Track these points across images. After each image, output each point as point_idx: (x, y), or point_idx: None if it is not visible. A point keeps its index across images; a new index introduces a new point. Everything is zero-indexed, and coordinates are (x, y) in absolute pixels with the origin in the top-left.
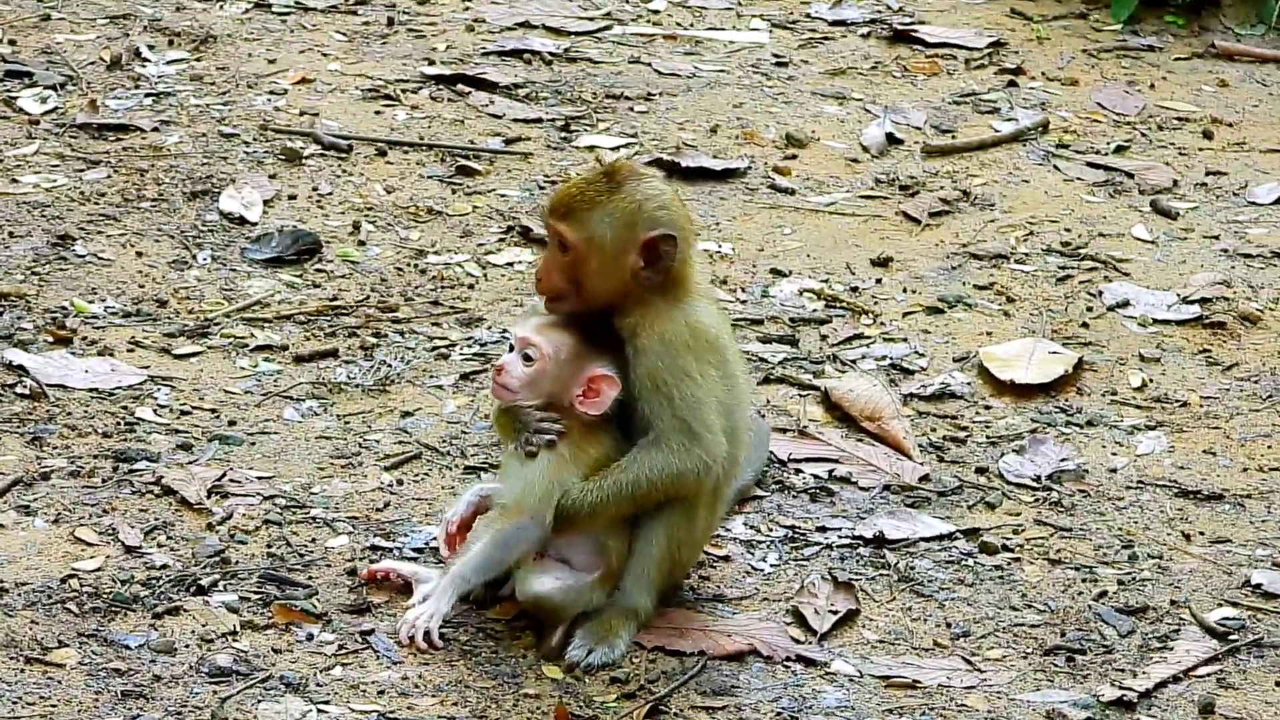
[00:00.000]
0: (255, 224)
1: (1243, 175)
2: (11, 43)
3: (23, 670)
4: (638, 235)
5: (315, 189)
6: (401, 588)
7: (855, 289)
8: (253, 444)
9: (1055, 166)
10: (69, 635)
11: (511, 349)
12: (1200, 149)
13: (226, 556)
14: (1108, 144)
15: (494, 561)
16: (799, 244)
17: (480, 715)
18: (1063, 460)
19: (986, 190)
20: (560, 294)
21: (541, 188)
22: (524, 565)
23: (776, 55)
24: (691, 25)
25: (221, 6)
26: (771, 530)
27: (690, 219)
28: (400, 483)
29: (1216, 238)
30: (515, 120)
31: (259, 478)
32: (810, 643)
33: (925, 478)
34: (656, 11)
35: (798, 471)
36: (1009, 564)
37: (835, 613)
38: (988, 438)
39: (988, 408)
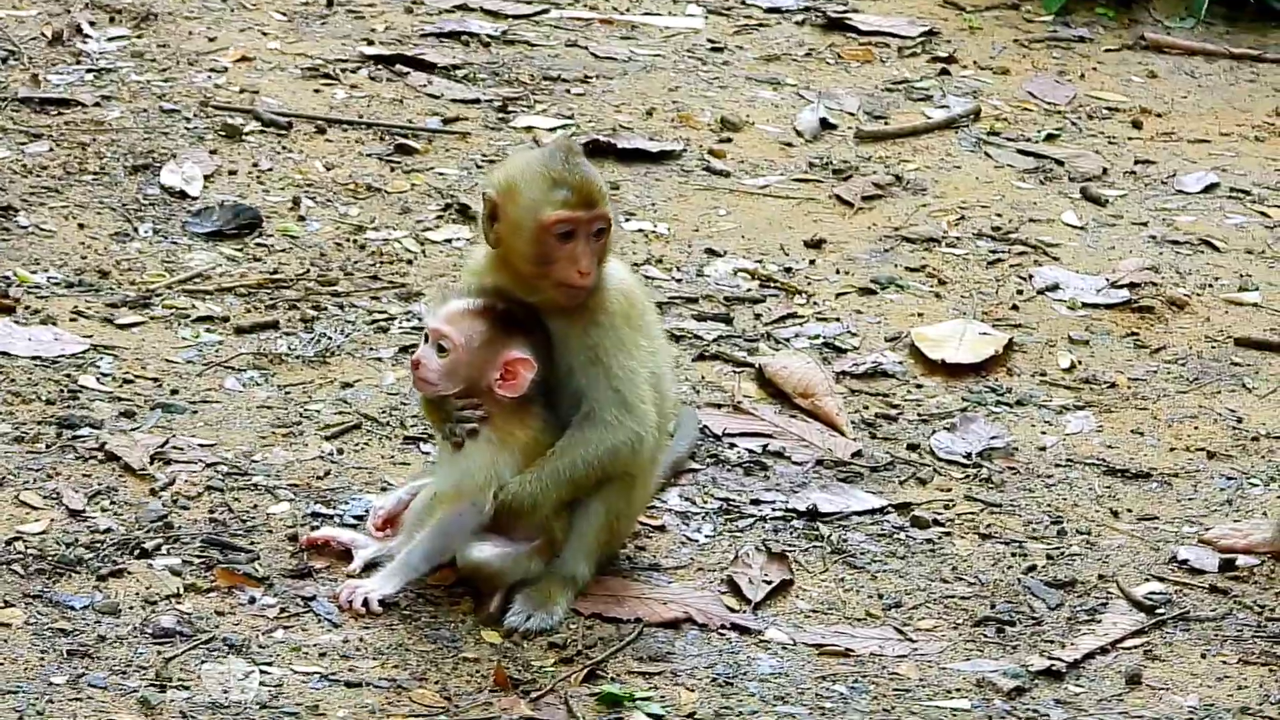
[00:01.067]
0: (196, 198)
1: (1171, 164)
2: None
3: None
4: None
5: (256, 165)
6: (341, 554)
7: (789, 269)
8: (195, 412)
9: (986, 153)
10: (14, 596)
11: (427, 339)
12: (1129, 138)
13: (169, 521)
14: (1038, 132)
15: (439, 549)
16: (734, 225)
17: (420, 678)
18: (993, 438)
19: (919, 175)
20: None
21: (479, 166)
22: None
23: (712, 40)
24: (628, 10)
25: None
26: (706, 502)
27: None
28: (340, 452)
29: (1145, 224)
30: (453, 100)
31: (201, 445)
32: (745, 611)
33: (858, 453)
34: None
35: (732, 446)
36: (940, 538)
37: (769, 583)
38: (919, 415)
39: (919, 386)
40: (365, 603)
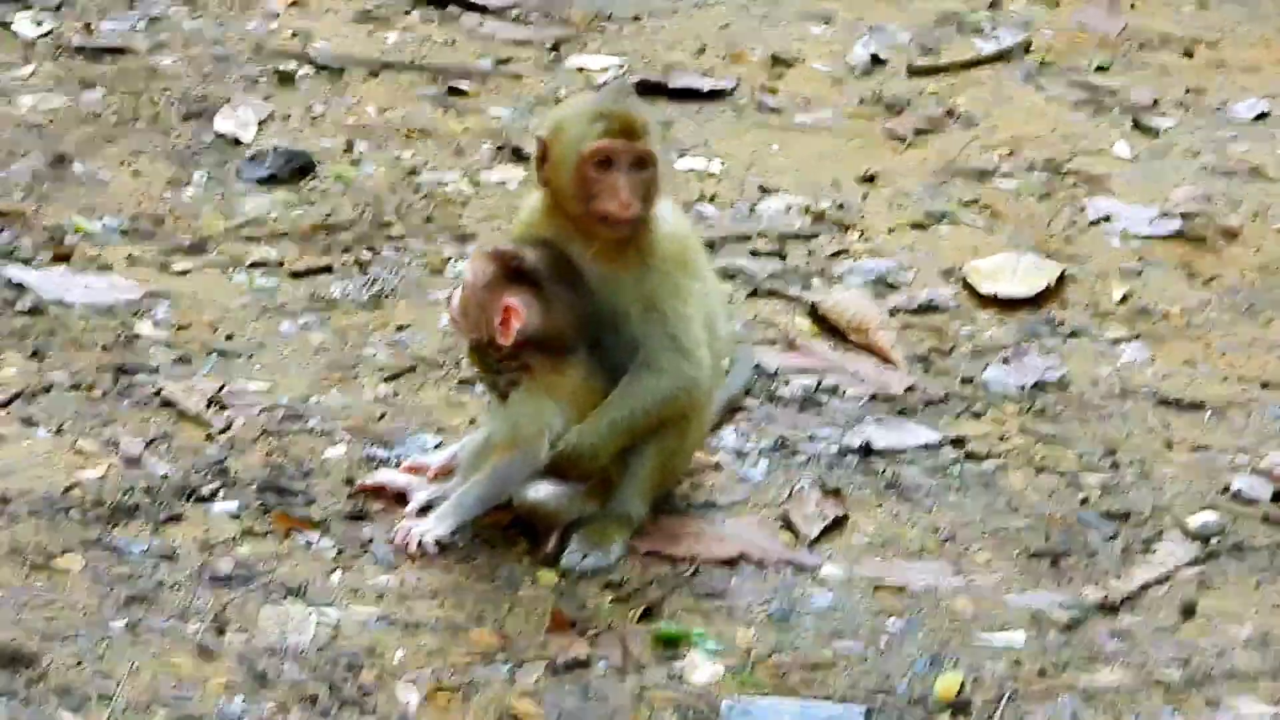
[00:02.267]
0: (250, 144)
1: (1223, 93)
2: None
3: (28, 576)
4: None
5: (309, 110)
6: (397, 497)
7: (841, 205)
8: (250, 357)
9: (1038, 85)
10: (73, 543)
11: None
12: (1181, 68)
13: (226, 466)
14: (1089, 63)
15: (493, 493)
16: (786, 162)
17: (477, 618)
18: (1047, 370)
19: (970, 109)
20: (639, 214)
21: (532, 108)
22: None
23: None
24: None
25: None
26: (761, 439)
27: None
28: (396, 394)
29: (1197, 154)
30: (505, 41)
31: (257, 390)
32: (800, 548)
33: (911, 388)
34: None
35: (786, 382)
36: (994, 471)
37: (824, 519)
38: (973, 349)
39: (972, 320)
40: (420, 544)
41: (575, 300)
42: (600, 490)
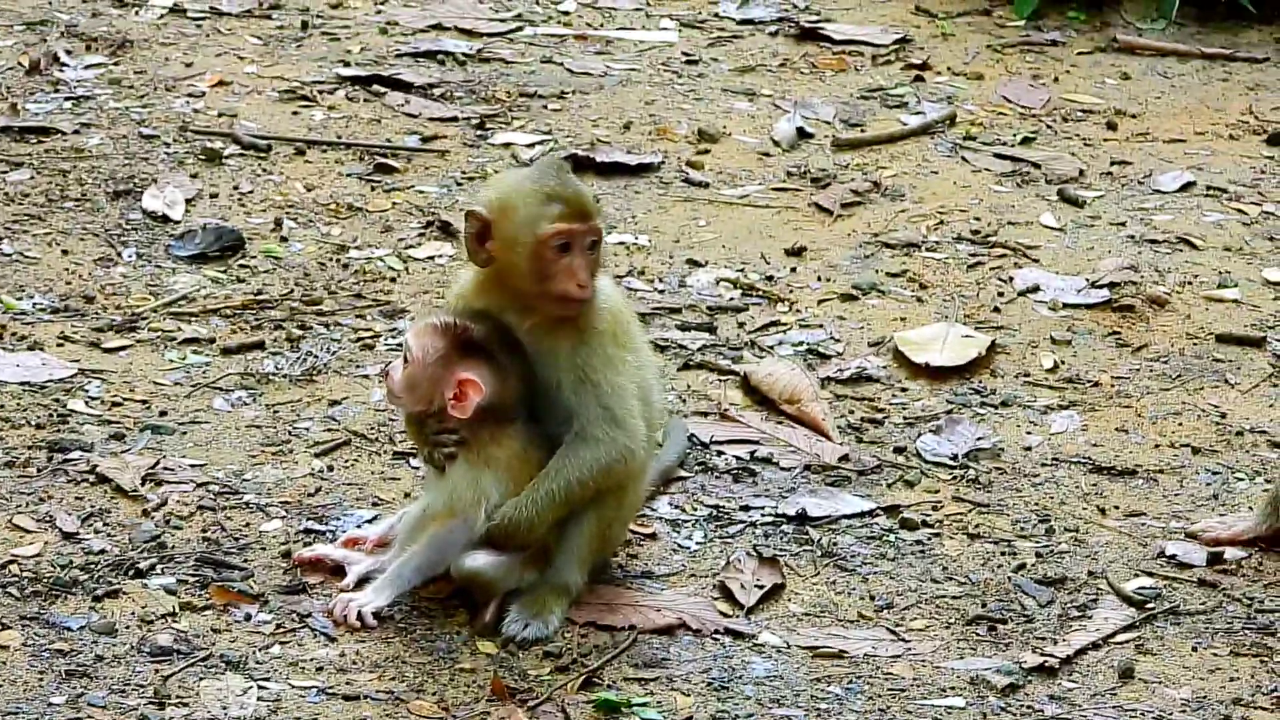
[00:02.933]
0: (179, 222)
1: (1147, 164)
2: None
3: None
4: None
5: (236, 187)
6: (334, 570)
7: (771, 278)
8: (184, 433)
9: (963, 158)
10: (11, 618)
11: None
12: (1105, 139)
13: (163, 541)
14: (1014, 135)
15: (431, 563)
16: (714, 235)
17: (417, 690)
18: (979, 439)
19: (897, 181)
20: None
21: (459, 184)
22: None
23: (686, 54)
24: (602, 25)
25: (137, 12)
26: (696, 509)
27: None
28: (330, 469)
29: (1123, 224)
30: (431, 119)
31: (192, 465)
32: (738, 616)
33: (845, 457)
34: (567, 13)
35: (720, 453)
36: (929, 539)
37: (761, 587)
38: (905, 418)
39: (904, 389)
40: (360, 616)
41: (518, 371)
42: (537, 559)
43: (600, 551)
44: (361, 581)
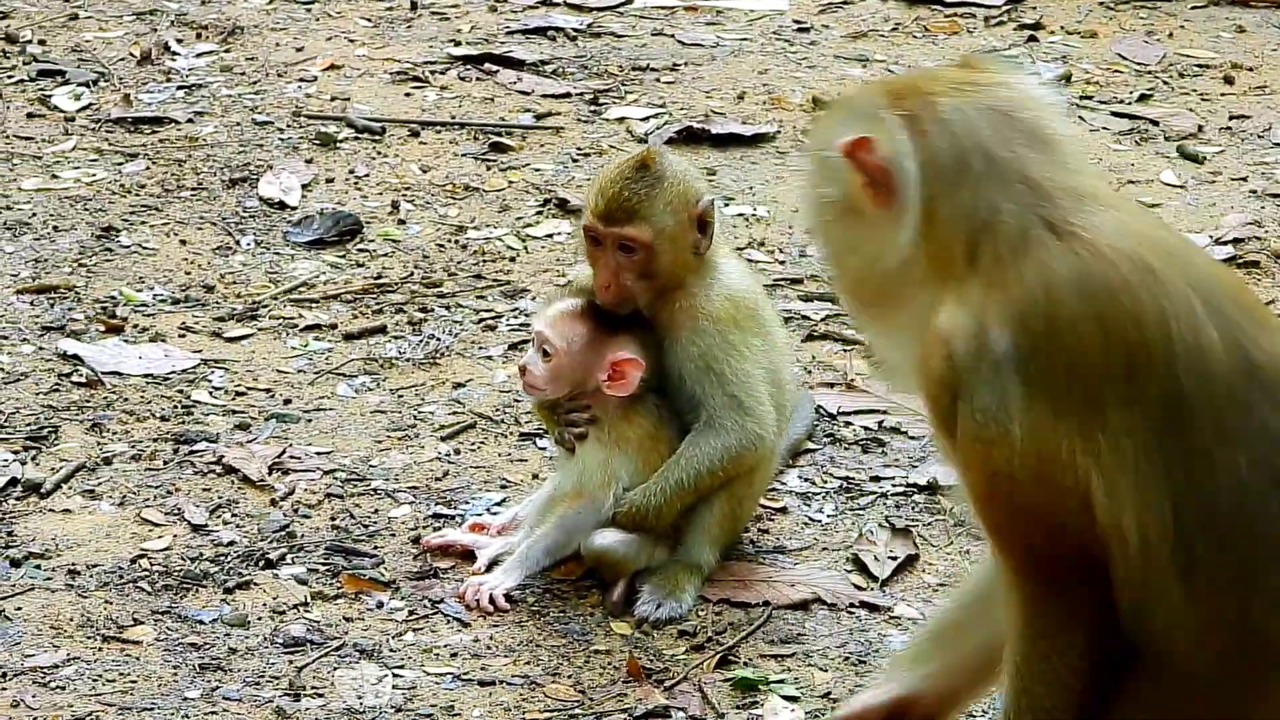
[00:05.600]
0: (295, 208)
1: (1266, 118)
2: (41, 42)
3: (101, 649)
4: (692, 212)
5: (352, 171)
6: (464, 555)
7: None
8: (309, 421)
9: (1080, 117)
10: (143, 613)
11: (534, 344)
12: (1222, 94)
13: (292, 530)
14: (1130, 93)
15: (559, 544)
16: None
17: (553, 673)
18: None
19: None
20: (628, 296)
21: (574, 160)
22: None
23: (797, 21)
24: None
25: None
26: (826, 482)
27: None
28: (457, 452)
29: (1244, 179)
30: (544, 96)
31: (318, 453)
32: (872, 589)
33: None
34: None
35: (848, 424)
36: None
37: (895, 559)
38: None
39: None
40: (491, 599)
41: (652, 347)
42: (667, 538)
43: (732, 530)
44: (492, 565)
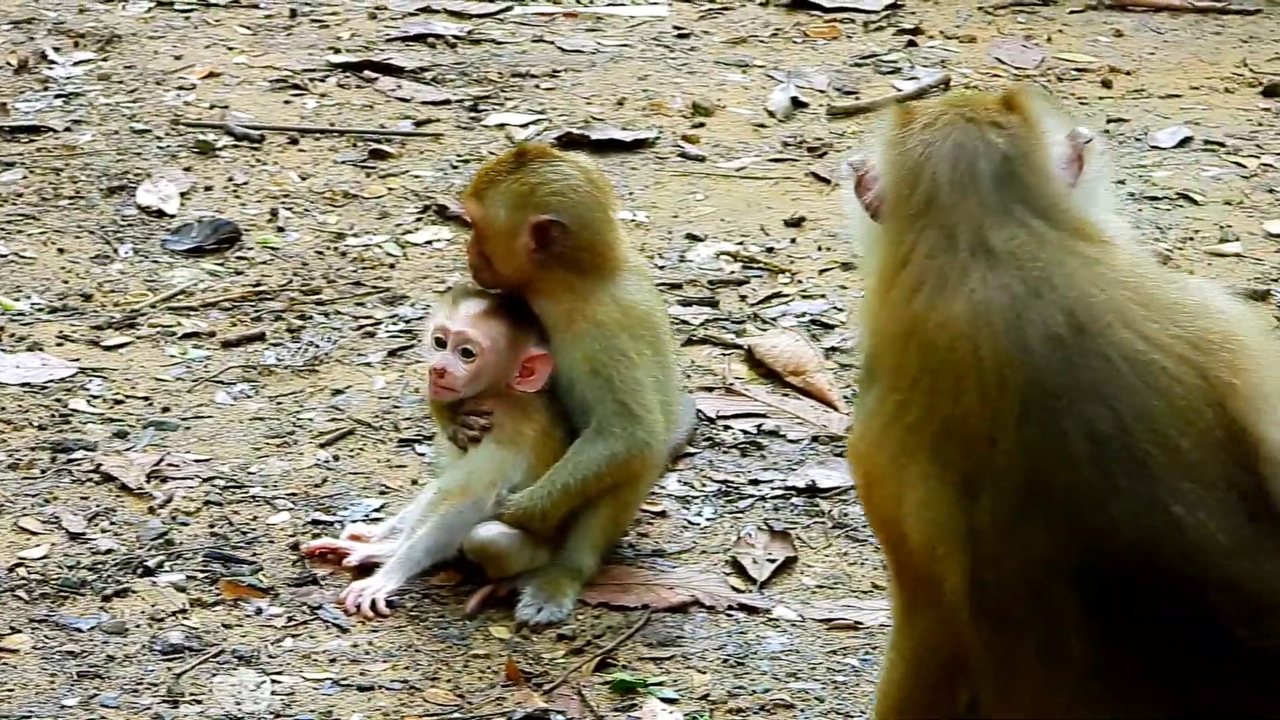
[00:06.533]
0: (174, 216)
1: (1144, 121)
2: None
3: None
4: (527, 218)
5: (231, 179)
6: (343, 560)
7: (771, 249)
8: (188, 428)
9: None
10: (20, 621)
11: (440, 344)
12: (1100, 97)
13: (170, 538)
14: None
15: (441, 544)
16: (712, 209)
17: (432, 677)
18: None
19: None
20: (478, 270)
21: (454, 167)
22: None
23: (677, 27)
24: (591, 2)
25: (124, 6)
26: (705, 485)
27: (602, 203)
28: (336, 458)
29: (1122, 182)
30: (424, 103)
31: (196, 460)
32: (751, 591)
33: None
34: None
35: (727, 428)
36: None
37: (773, 561)
38: None
39: None
40: (373, 605)
41: (547, 344)
42: (550, 539)
43: (614, 535)
44: (372, 567)
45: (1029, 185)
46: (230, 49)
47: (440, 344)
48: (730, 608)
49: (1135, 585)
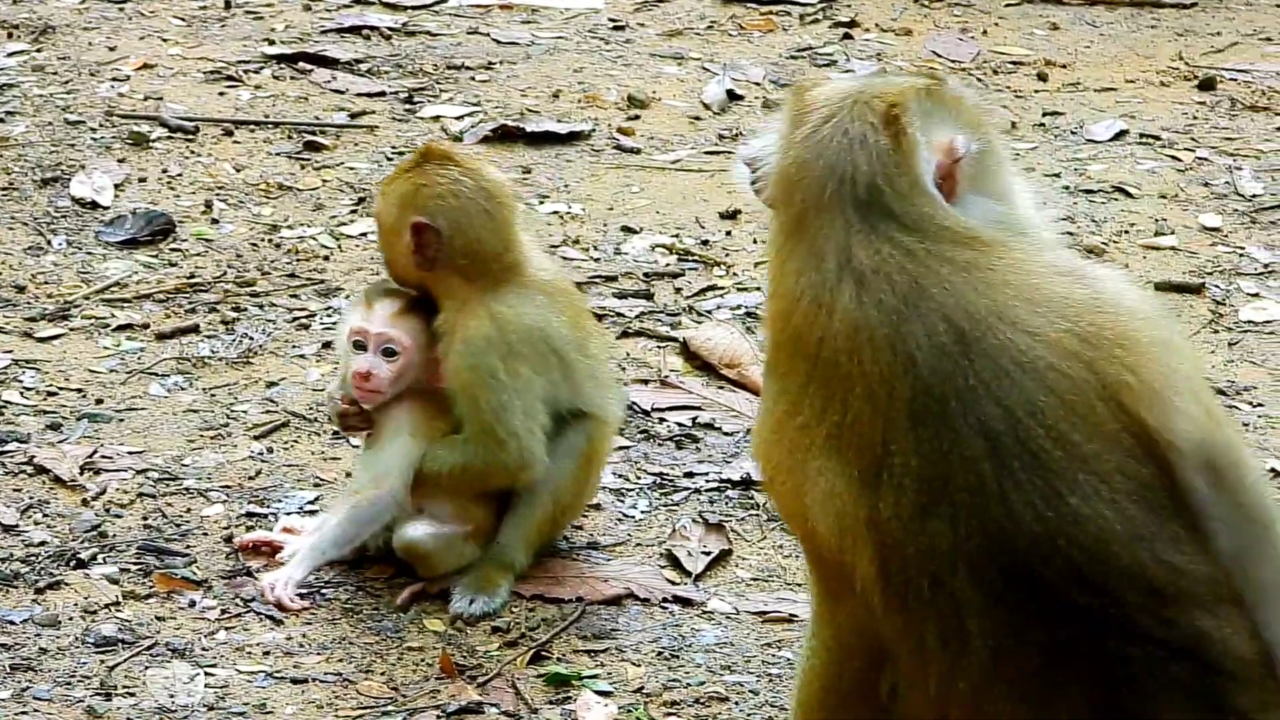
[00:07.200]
0: (108, 208)
1: (1079, 114)
2: None
3: None
4: (408, 219)
5: (165, 171)
6: (276, 553)
7: (706, 242)
8: (121, 420)
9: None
10: None
11: (359, 346)
12: (1036, 91)
13: (104, 530)
14: None
15: (349, 536)
16: (648, 201)
17: (366, 670)
18: None
19: None
20: (386, 266)
21: (389, 159)
22: (399, 519)
23: (613, 20)
24: None
25: None
26: (640, 478)
27: (489, 211)
28: (270, 450)
29: (1058, 175)
30: (359, 95)
31: (130, 453)
32: (686, 584)
33: None
34: None
35: (662, 420)
36: None
37: (708, 554)
38: None
39: None
40: (279, 601)
41: None
42: (477, 539)
43: (549, 535)
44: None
45: (897, 201)
46: (165, 40)
47: (360, 347)
48: (665, 600)
49: (1037, 576)
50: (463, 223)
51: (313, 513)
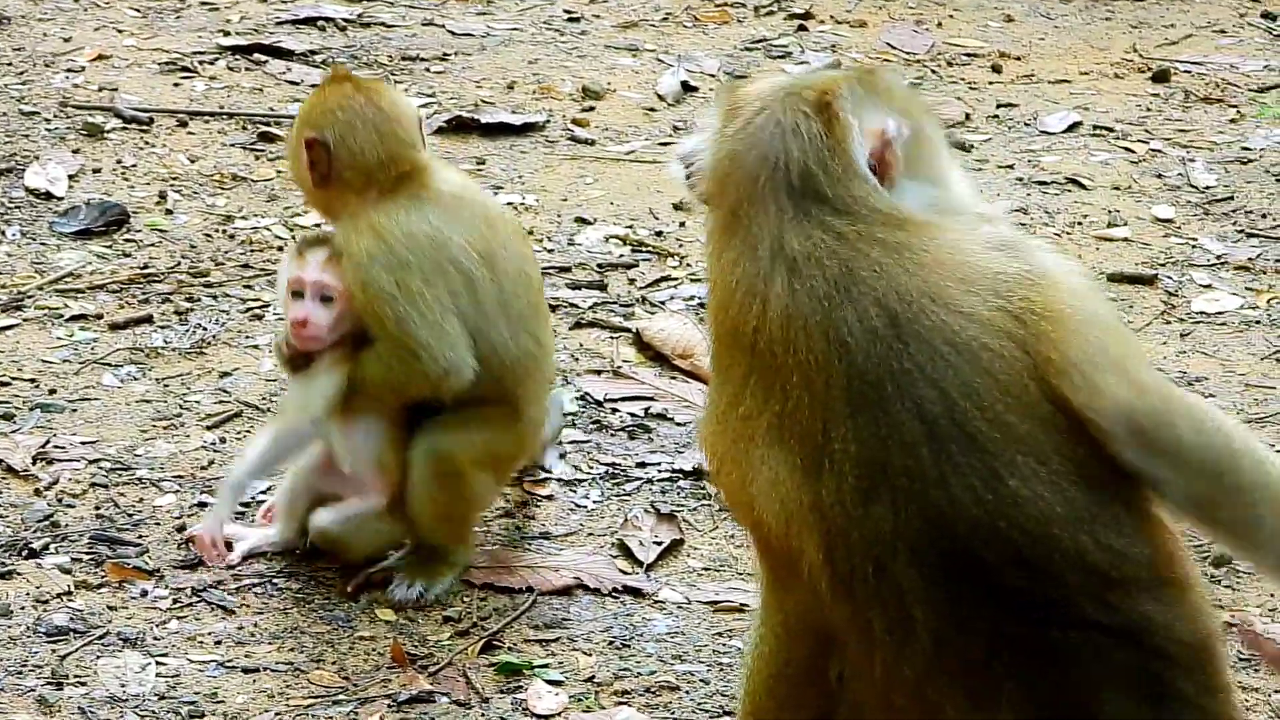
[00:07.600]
0: (62, 198)
1: (1033, 106)
2: None
3: None
4: (303, 135)
5: (119, 162)
6: (228, 544)
7: (660, 233)
8: (74, 410)
9: None
10: None
11: (297, 295)
12: (990, 82)
13: (56, 520)
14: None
15: (269, 459)
16: (602, 192)
17: (317, 660)
18: None
19: None
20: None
21: None
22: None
23: (568, 11)
24: None
25: None
26: (592, 468)
27: (376, 124)
28: (223, 441)
29: (1011, 167)
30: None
31: (83, 442)
32: (637, 574)
33: None
34: None
35: (614, 410)
36: None
37: (660, 544)
38: None
39: None
40: (215, 543)
41: None
42: (393, 511)
43: (468, 512)
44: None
45: (830, 185)
46: (119, 31)
47: (298, 295)
48: (616, 590)
49: (979, 560)
50: (347, 136)
51: (263, 503)
